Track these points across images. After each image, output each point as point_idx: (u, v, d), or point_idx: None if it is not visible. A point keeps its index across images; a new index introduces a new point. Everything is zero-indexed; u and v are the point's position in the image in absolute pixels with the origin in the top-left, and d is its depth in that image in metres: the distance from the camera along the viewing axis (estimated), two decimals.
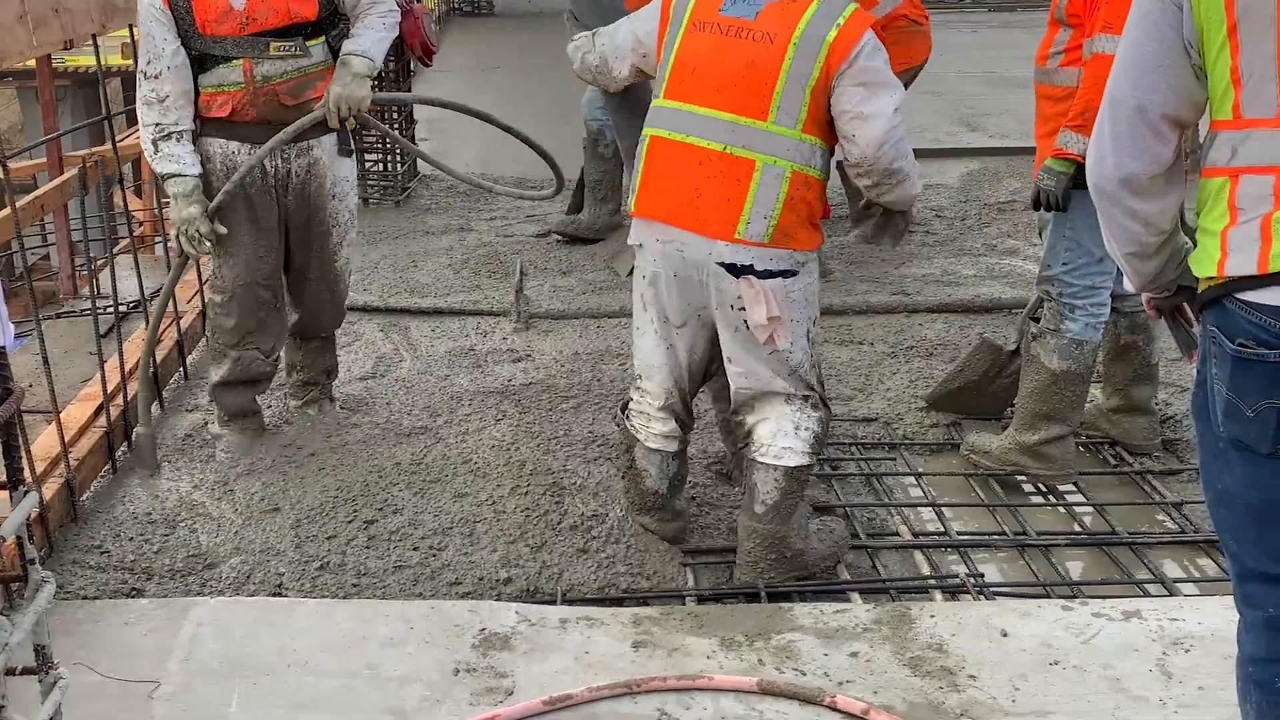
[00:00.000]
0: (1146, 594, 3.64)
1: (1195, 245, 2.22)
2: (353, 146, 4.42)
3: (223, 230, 4.05)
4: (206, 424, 4.56)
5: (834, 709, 3.00)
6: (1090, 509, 4.20)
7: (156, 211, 6.36)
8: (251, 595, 3.53)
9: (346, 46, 4.15)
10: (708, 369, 3.75)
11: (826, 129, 3.46)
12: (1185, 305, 2.48)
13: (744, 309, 3.46)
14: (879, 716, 2.95)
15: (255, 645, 3.22)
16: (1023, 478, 4.37)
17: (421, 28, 7.54)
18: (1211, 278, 2.15)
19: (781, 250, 3.44)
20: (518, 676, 3.12)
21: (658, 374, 3.72)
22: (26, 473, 2.35)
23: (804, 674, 3.14)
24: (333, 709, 2.98)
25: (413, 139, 8.29)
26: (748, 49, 3.41)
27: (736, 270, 3.44)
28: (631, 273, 6.35)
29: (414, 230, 7.28)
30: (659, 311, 3.64)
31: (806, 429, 3.59)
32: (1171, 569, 3.85)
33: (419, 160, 8.29)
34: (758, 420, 3.61)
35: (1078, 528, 4.10)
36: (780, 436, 3.58)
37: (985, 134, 9.69)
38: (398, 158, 8.08)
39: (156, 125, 4.00)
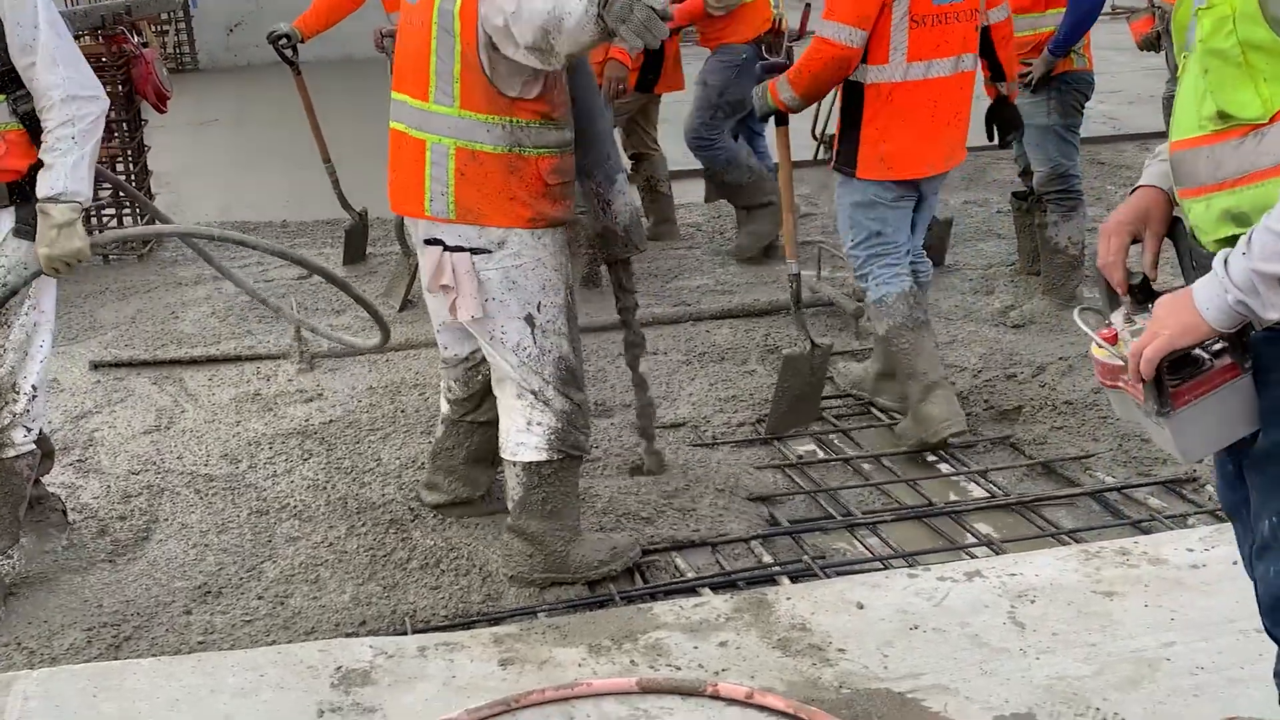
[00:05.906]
0: (974, 557, 3.78)
1: None
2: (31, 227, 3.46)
3: None
4: None
5: (717, 697, 2.99)
6: (903, 484, 4.35)
7: None
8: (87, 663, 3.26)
9: (40, 188, 3.39)
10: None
11: (495, 99, 3.32)
12: None
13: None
14: (764, 698, 2.96)
15: (92, 714, 2.97)
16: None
17: (154, 72, 7.21)
18: None
19: (470, 227, 3.43)
20: (387, 709, 2.98)
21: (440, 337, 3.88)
22: None
23: (679, 669, 3.12)
24: None
25: (148, 193, 7.88)
26: (415, 32, 3.44)
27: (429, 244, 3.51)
28: (404, 307, 6.29)
29: (164, 283, 6.89)
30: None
31: (539, 424, 3.56)
32: (993, 532, 4.02)
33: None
34: (500, 412, 3.64)
35: (896, 504, 4.24)
36: (514, 432, 3.59)
37: None
38: (134, 211, 7.65)
39: None
